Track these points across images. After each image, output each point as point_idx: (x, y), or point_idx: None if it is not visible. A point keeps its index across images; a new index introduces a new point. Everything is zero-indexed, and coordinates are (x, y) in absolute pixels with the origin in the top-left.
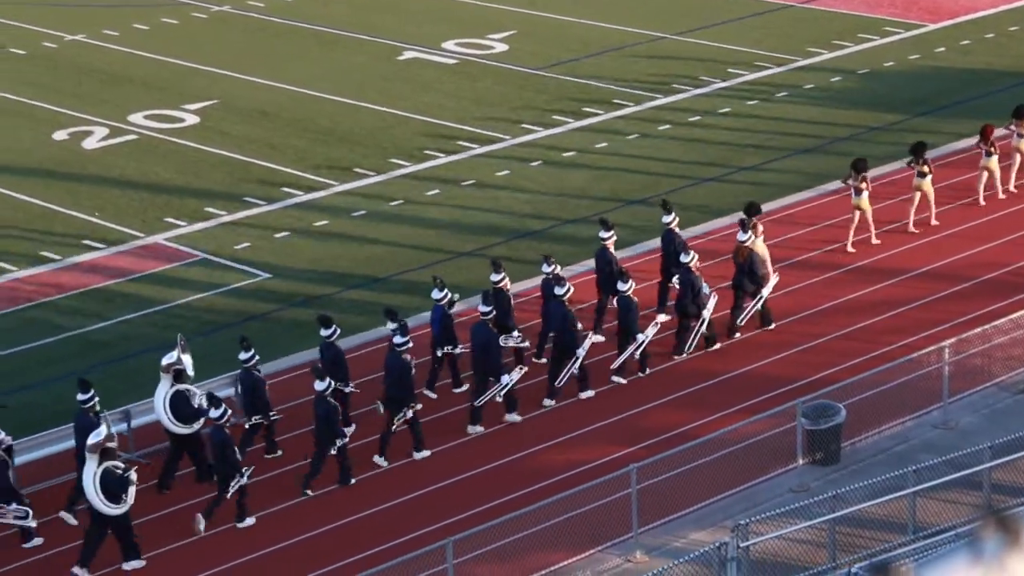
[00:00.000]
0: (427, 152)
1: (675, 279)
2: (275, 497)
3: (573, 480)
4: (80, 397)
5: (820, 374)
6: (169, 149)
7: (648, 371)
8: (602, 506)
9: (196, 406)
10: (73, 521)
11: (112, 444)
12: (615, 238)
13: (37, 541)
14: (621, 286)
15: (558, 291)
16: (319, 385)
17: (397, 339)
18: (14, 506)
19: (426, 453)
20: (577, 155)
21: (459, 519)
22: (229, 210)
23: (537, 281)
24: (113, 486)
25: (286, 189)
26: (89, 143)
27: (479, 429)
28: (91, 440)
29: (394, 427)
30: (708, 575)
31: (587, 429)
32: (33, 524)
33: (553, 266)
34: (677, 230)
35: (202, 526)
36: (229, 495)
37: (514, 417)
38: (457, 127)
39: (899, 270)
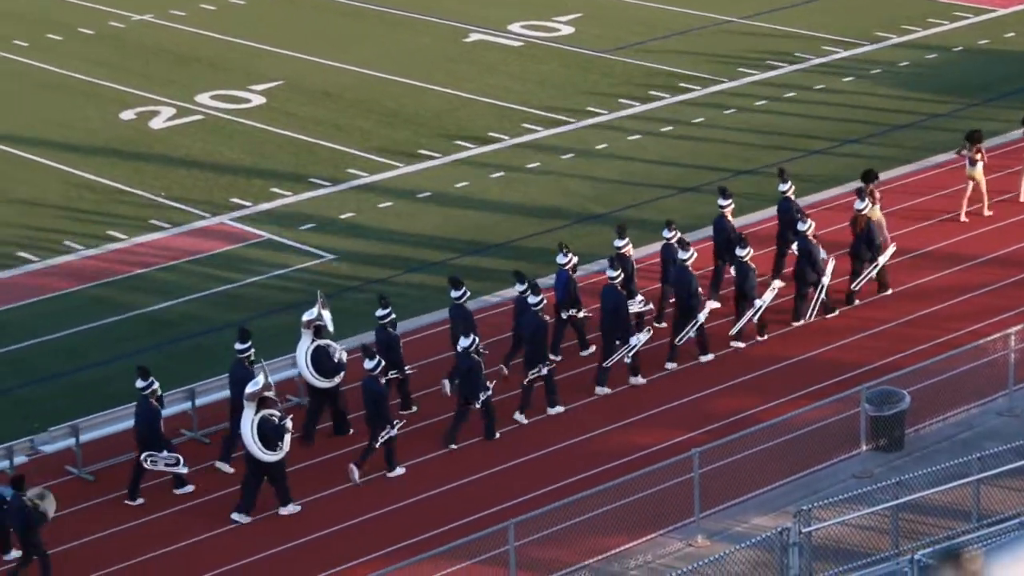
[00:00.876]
0: (492, 135)
1: (793, 246)
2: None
3: (635, 464)
4: (238, 347)
5: (885, 360)
6: (235, 129)
7: (766, 336)
8: (664, 490)
9: (336, 360)
10: (229, 469)
11: (269, 393)
12: (733, 206)
13: (188, 488)
14: (739, 251)
15: (682, 255)
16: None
17: (531, 299)
18: (165, 453)
19: (560, 409)
20: (642, 138)
21: (521, 501)
22: (294, 191)
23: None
24: (270, 433)
25: (351, 170)
26: (156, 123)
27: (606, 390)
28: (249, 389)
29: (527, 381)
30: (770, 560)
31: (649, 413)
32: (184, 471)
33: (674, 232)
34: (793, 198)
35: (356, 476)
36: (378, 446)
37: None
38: (522, 109)
39: (965, 256)
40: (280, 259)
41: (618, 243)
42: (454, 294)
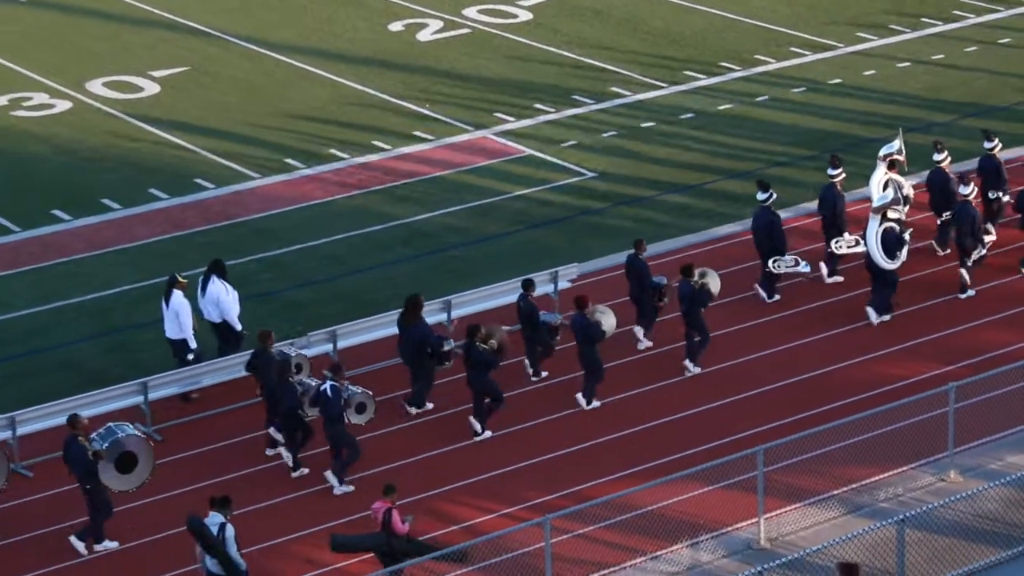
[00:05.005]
0: (757, 57)
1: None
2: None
3: (888, 396)
4: (759, 196)
5: None
6: (501, 44)
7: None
8: (917, 423)
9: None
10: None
11: (897, 209)
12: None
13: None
14: (963, 190)
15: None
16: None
17: (831, 171)
18: (788, 257)
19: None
20: (912, 65)
21: (768, 428)
22: (557, 107)
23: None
24: (892, 244)
25: (615, 88)
26: (423, 35)
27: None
28: (876, 204)
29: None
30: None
31: (906, 345)
32: (807, 269)
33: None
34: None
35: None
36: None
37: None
38: (789, 32)
39: None
40: (540, 175)
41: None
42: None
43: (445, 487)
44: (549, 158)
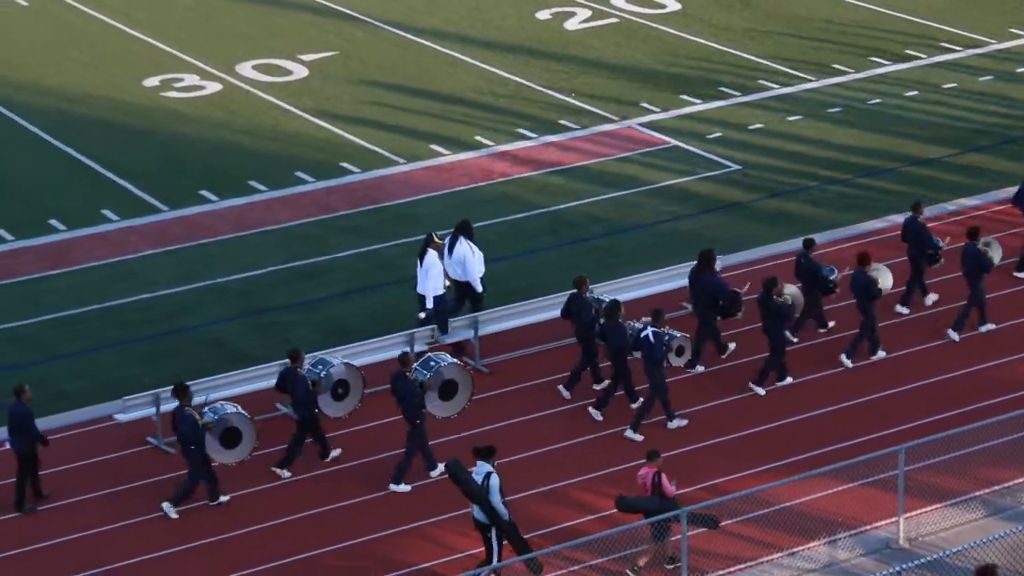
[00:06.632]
0: (908, 52)
1: None
2: None
3: None
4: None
5: None
6: (648, 34)
7: None
8: None
9: None
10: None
11: None
12: None
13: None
14: None
15: None
16: None
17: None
18: None
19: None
20: None
21: (913, 426)
22: (703, 99)
23: None
24: None
25: (762, 81)
26: (571, 24)
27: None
28: None
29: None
30: None
31: None
32: None
33: None
34: None
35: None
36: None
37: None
38: (941, 28)
39: None
40: (684, 166)
41: None
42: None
43: (580, 477)
44: (694, 149)
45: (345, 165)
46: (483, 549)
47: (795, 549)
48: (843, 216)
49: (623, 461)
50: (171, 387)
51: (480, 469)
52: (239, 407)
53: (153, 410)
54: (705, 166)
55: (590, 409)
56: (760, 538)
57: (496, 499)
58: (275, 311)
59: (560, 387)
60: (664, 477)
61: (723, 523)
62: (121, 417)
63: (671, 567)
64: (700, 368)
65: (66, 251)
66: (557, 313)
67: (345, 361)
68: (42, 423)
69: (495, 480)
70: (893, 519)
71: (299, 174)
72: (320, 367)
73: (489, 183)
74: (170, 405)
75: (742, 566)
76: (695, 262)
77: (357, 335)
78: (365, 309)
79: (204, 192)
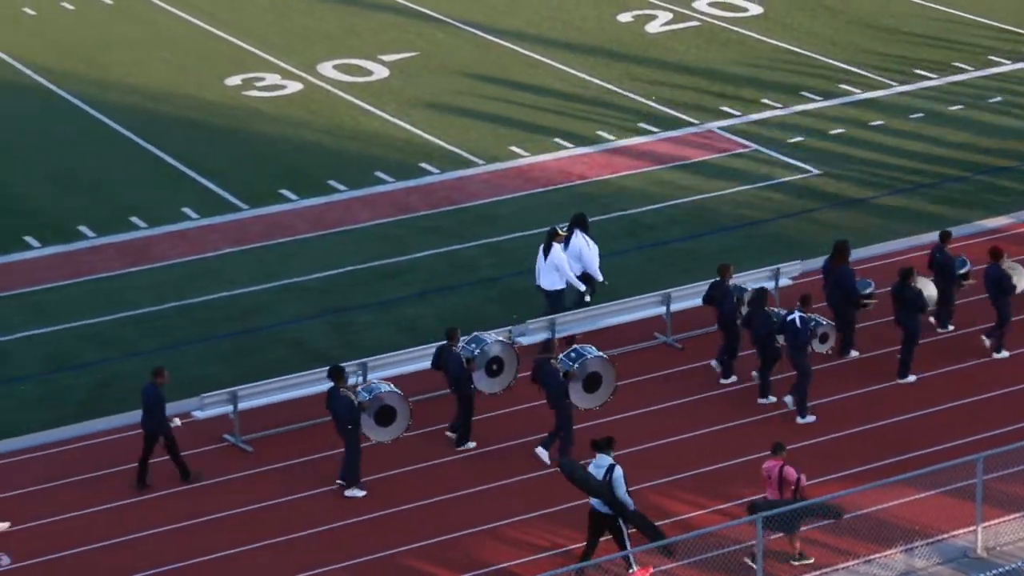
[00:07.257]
0: (991, 58)
1: None
2: None
3: None
4: None
5: None
6: (730, 38)
7: None
8: None
9: None
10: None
11: None
12: None
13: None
14: None
15: None
16: None
17: None
18: None
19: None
20: None
21: (992, 435)
22: (785, 103)
23: None
24: None
25: (844, 86)
26: (652, 27)
27: None
28: None
29: None
30: None
31: None
32: None
33: None
34: None
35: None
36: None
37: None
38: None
39: None
40: (763, 171)
41: None
42: None
43: (661, 479)
44: (773, 154)
45: (424, 165)
46: (579, 545)
47: (872, 556)
48: (921, 225)
49: (744, 454)
50: (248, 385)
51: (600, 462)
52: (392, 385)
53: (231, 407)
54: (785, 170)
55: (759, 400)
56: (836, 544)
57: (622, 491)
58: (353, 311)
59: (719, 375)
60: (788, 470)
61: (800, 529)
62: (199, 414)
63: (752, 564)
64: (855, 353)
65: (146, 249)
66: (641, 315)
67: (499, 339)
68: (122, 419)
69: (619, 472)
70: (971, 528)
71: (378, 174)
72: (474, 345)
73: (567, 185)
74: (248, 403)
75: (818, 572)
76: (828, 254)
77: (432, 337)
78: (442, 310)
79: (284, 191)
